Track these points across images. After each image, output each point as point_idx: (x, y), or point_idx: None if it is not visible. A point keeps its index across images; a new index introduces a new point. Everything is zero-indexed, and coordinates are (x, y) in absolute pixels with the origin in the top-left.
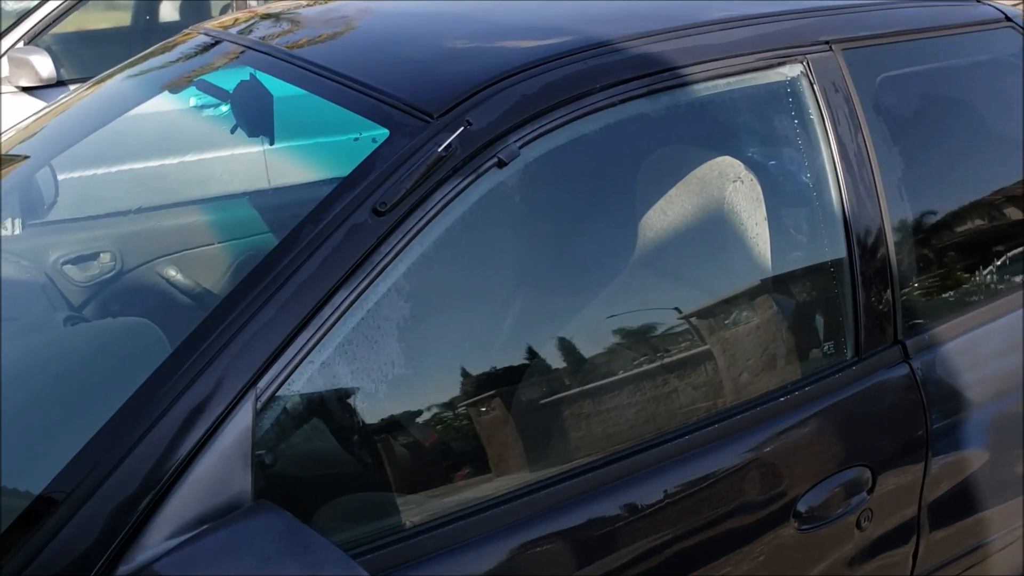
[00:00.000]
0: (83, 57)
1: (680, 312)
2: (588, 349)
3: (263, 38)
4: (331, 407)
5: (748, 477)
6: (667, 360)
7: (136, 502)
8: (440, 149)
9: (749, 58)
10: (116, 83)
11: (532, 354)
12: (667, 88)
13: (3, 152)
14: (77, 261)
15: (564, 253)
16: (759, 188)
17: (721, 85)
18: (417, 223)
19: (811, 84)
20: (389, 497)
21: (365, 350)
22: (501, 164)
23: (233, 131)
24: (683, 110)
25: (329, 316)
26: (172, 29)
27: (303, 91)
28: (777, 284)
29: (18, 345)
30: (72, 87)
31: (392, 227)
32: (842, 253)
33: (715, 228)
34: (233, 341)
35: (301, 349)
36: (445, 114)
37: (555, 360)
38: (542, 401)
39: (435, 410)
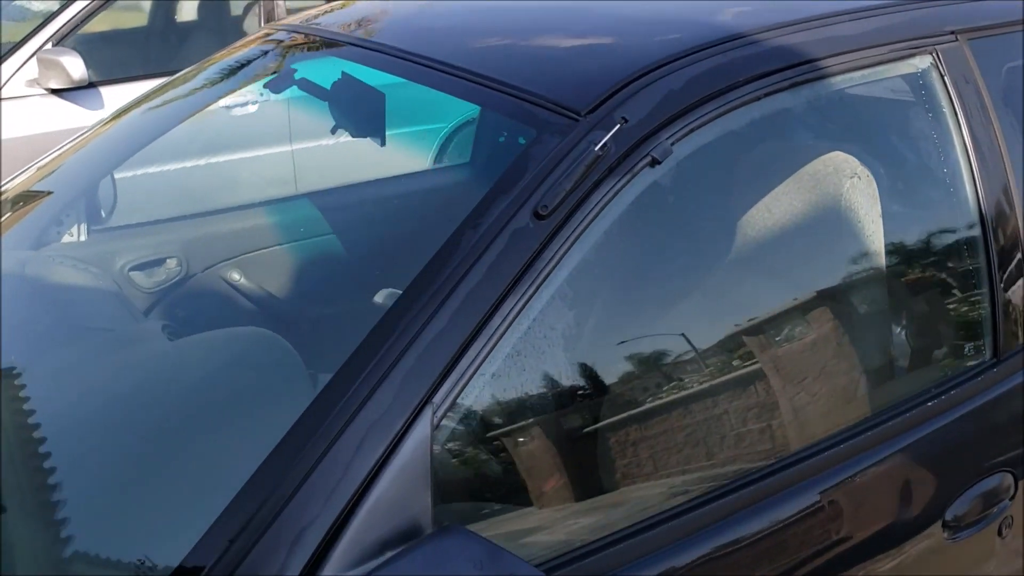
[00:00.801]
0: (107, 58)
1: (816, 317)
2: (748, 353)
3: (360, 33)
4: (503, 419)
5: (898, 484)
6: (813, 365)
7: (318, 529)
8: (597, 148)
9: (882, 49)
10: (199, 84)
11: (699, 357)
12: (807, 81)
13: (78, 152)
14: (143, 267)
15: (719, 254)
16: (875, 185)
17: (857, 78)
18: (578, 226)
19: (941, 76)
20: (565, 510)
21: (533, 360)
22: (655, 163)
23: (334, 131)
24: (822, 103)
25: (499, 325)
26: (189, 29)
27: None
28: (906, 285)
29: (129, 359)
30: (103, 89)
31: (554, 231)
32: (978, 251)
33: (832, 225)
34: (407, 353)
35: (474, 360)
36: (593, 111)
37: (723, 363)
38: (716, 405)
39: (606, 419)
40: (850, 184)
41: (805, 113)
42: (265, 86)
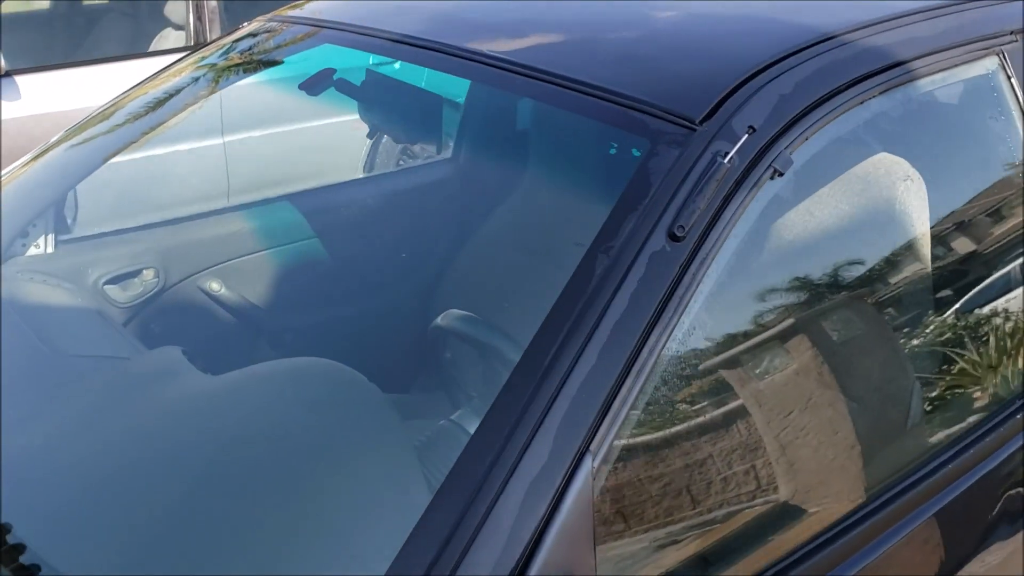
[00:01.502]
0: (14, 44)
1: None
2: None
3: (402, 28)
4: (658, 460)
5: None
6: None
7: None
8: (726, 161)
9: (956, 51)
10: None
11: (840, 376)
12: (899, 84)
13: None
14: (118, 280)
15: (840, 270)
16: (924, 188)
17: (938, 80)
18: (712, 247)
19: (1008, 77)
20: (734, 553)
21: (680, 391)
22: (776, 174)
23: (371, 135)
24: (913, 107)
25: (647, 359)
26: (98, 11)
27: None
28: (981, 290)
29: (168, 398)
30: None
31: (692, 253)
32: None
33: (885, 230)
34: (559, 396)
35: (627, 399)
36: (707, 119)
37: (869, 379)
38: (866, 418)
39: (763, 453)
40: (904, 187)
41: (898, 118)
42: (300, 87)
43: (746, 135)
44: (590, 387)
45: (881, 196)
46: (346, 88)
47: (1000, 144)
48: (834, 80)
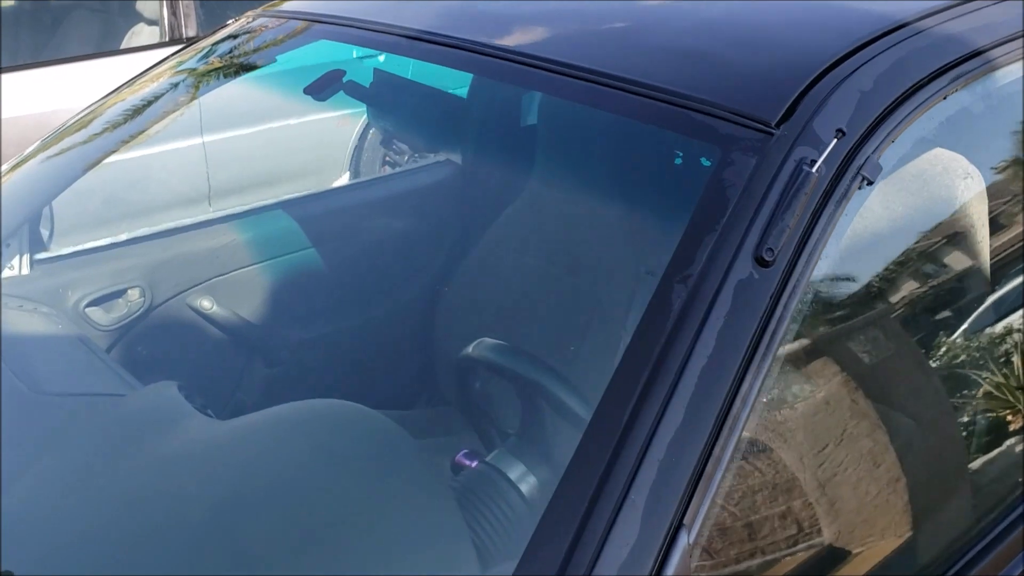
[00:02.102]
0: None
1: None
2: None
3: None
4: (759, 531)
5: None
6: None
7: None
8: (813, 171)
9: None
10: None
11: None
12: (979, 76)
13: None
14: (100, 301)
15: (937, 284)
16: (983, 185)
17: (1016, 70)
18: (803, 272)
19: None
20: None
21: (779, 446)
22: (867, 183)
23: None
24: (993, 100)
25: (740, 410)
26: (65, 8)
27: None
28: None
29: (174, 447)
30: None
31: (783, 280)
32: None
33: (949, 230)
34: (645, 461)
35: (721, 460)
36: (784, 121)
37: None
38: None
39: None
40: (964, 185)
41: (982, 114)
42: (305, 91)
43: (835, 139)
44: (679, 447)
45: (940, 196)
46: (356, 92)
47: None
48: (916, 73)
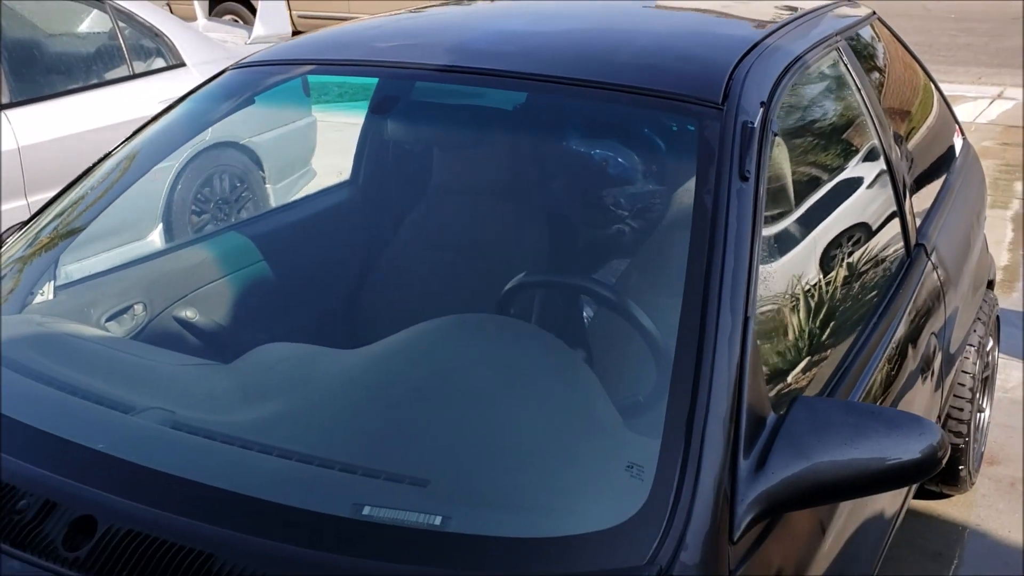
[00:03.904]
0: None
1: None
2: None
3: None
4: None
5: None
6: None
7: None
8: (755, 127)
9: (822, 47)
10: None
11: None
12: (815, 60)
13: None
14: (114, 316)
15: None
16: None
17: (817, 66)
18: (760, 182)
19: (845, 66)
20: None
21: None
22: (774, 136)
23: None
24: (818, 77)
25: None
26: None
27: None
28: None
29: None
30: None
31: (755, 187)
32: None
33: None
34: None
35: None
36: (725, 100)
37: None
38: None
39: None
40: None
41: (814, 85)
42: (372, 112)
43: (761, 109)
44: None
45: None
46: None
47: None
48: (785, 61)
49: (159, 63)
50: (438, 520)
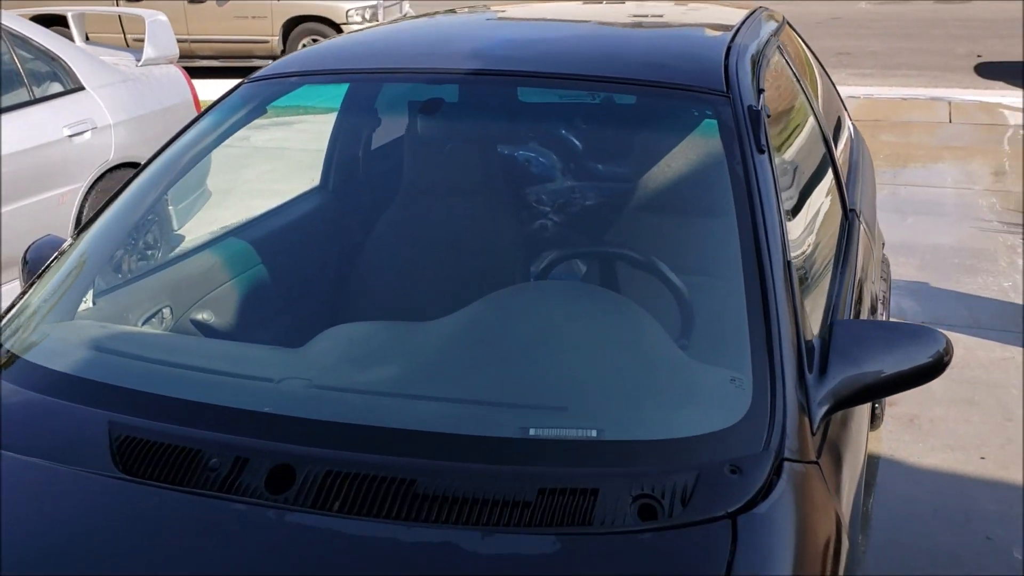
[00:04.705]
0: None
1: None
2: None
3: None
4: None
5: None
6: None
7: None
8: (759, 109)
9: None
10: None
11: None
12: (770, 55)
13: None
14: (147, 321)
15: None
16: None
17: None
18: (772, 153)
19: (787, 63)
20: None
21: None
22: (768, 115)
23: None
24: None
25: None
26: None
27: None
28: None
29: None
30: None
31: (769, 158)
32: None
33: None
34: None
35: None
36: (728, 89)
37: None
38: None
39: None
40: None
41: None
42: (420, 111)
43: (760, 94)
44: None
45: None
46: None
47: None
48: (749, 63)
49: (56, 87)
50: (594, 432)
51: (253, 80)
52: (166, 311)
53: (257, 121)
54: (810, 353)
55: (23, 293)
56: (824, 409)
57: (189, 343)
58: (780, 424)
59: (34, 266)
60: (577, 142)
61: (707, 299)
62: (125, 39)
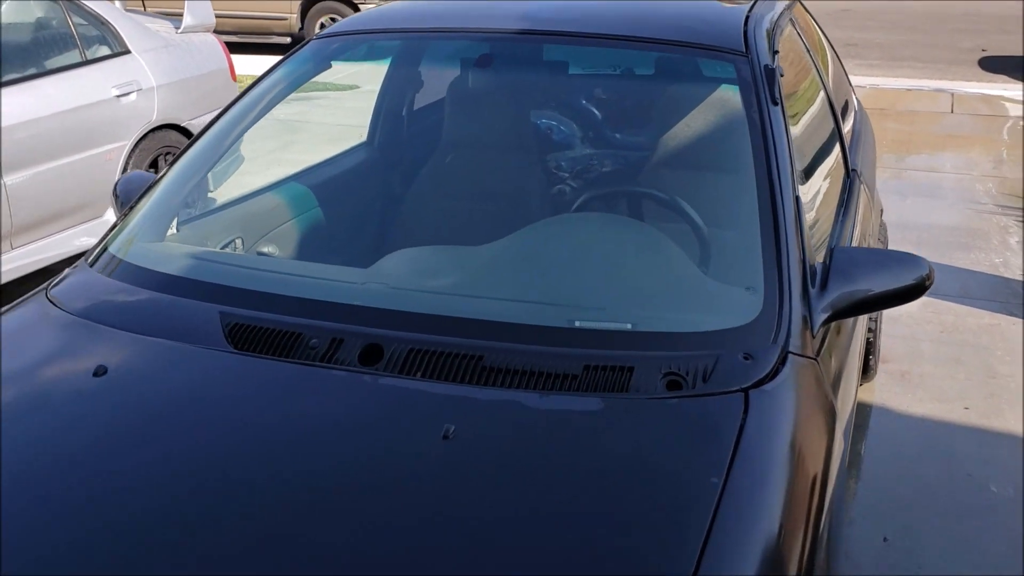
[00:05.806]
0: None
1: None
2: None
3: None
4: None
5: None
6: None
7: None
8: (775, 68)
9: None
10: None
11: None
12: (783, 22)
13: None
14: (225, 246)
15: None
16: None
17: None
18: (784, 106)
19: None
20: None
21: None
22: (781, 75)
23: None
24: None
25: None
26: None
27: None
28: None
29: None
30: None
31: (781, 109)
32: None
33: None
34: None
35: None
36: (747, 50)
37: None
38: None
39: None
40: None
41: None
42: (476, 64)
43: (776, 55)
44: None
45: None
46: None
47: (806, 66)
48: (765, 30)
49: (105, 51)
50: (629, 325)
51: (320, 37)
52: (238, 241)
53: None
54: (813, 274)
55: (124, 215)
56: (824, 317)
57: (272, 260)
58: (786, 325)
59: (125, 197)
60: (613, 98)
61: (726, 224)
62: (144, 6)
